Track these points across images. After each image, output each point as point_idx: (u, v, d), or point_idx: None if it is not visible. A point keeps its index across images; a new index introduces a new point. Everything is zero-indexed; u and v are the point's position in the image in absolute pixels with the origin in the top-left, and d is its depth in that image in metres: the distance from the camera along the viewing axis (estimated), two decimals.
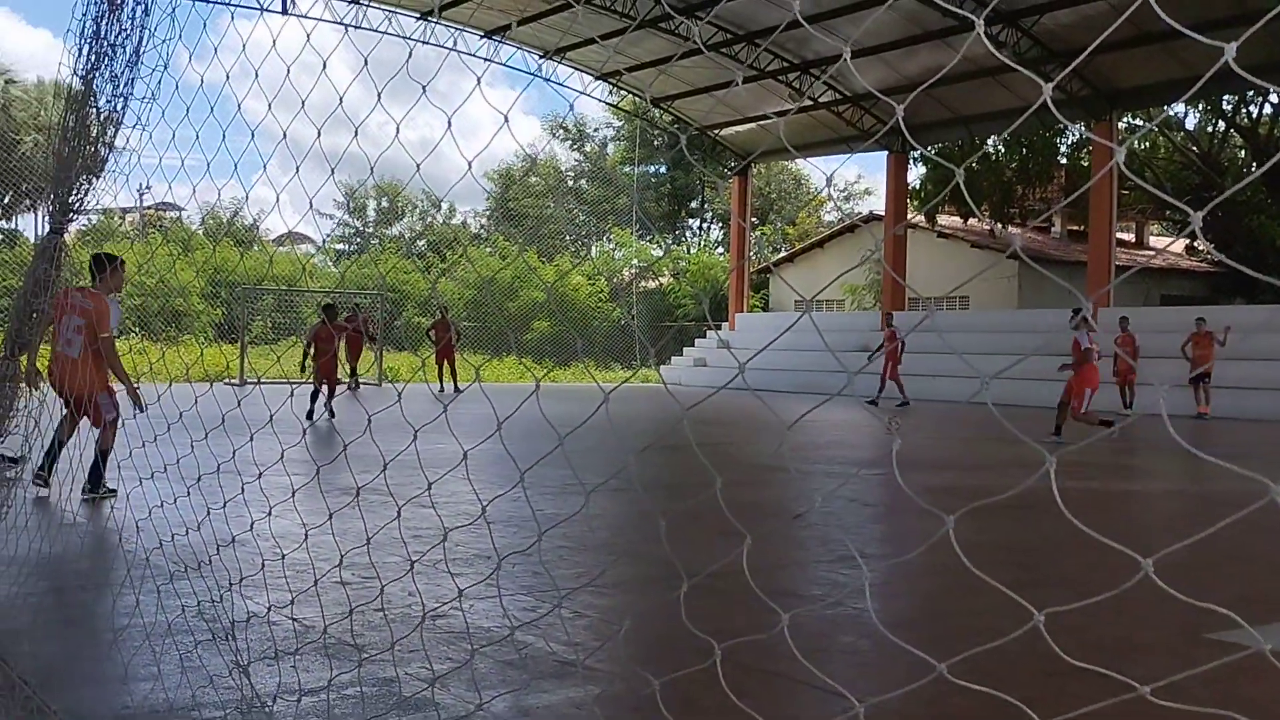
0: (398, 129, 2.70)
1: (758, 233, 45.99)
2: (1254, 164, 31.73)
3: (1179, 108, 32.05)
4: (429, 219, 50.84)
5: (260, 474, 3.24)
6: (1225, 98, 30.35)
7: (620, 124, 47.18)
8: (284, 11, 23.43)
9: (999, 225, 35.03)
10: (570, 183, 50.07)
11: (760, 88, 28.27)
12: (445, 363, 23.92)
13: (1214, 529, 1.53)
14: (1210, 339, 19.75)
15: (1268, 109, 31.01)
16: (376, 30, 25.26)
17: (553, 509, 7.22)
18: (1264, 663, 1.57)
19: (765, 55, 26.56)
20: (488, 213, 50.98)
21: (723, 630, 4.11)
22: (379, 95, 2.78)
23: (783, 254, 43.01)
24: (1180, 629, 3.96)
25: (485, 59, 27.42)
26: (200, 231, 34.83)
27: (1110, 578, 1.71)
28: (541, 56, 28.69)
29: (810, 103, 27.61)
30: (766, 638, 2.61)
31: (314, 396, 14.73)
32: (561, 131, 49.16)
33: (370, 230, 51.29)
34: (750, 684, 3.45)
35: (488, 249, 44.36)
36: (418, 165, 2.66)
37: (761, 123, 30.43)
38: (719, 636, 3.90)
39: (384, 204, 50.60)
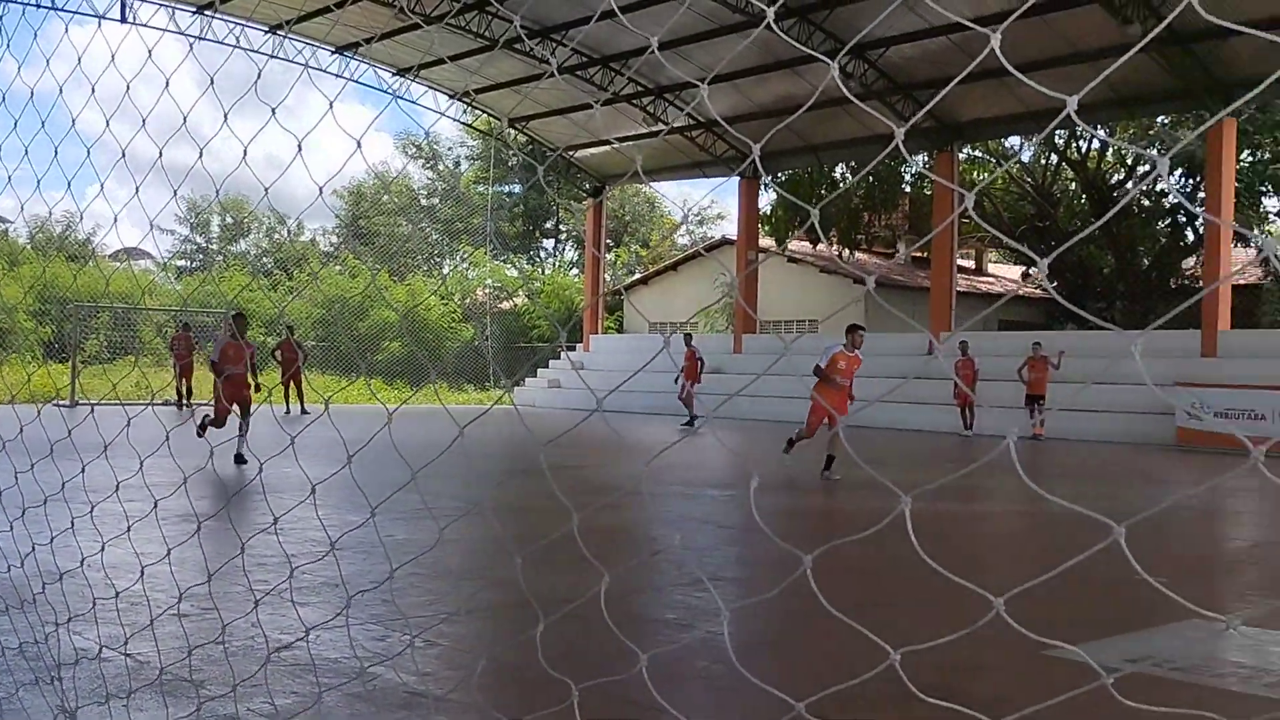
0: (245, 150, 2.60)
1: (612, 255, 46.24)
2: (1083, 195, 33.41)
3: (1015, 140, 33.57)
4: (276, 236, 49.54)
5: (93, 505, 3.06)
6: (1058, 132, 31.92)
7: (475, 143, 46.89)
8: (123, 20, 22.54)
9: (846, 252, 36.04)
10: (423, 201, 49.48)
11: (616, 111, 28.48)
12: (291, 384, 23.25)
13: (1058, 569, 1.57)
14: (1045, 363, 20.67)
15: (1095, 144, 32.75)
16: (223, 43, 24.52)
17: (404, 534, 7.06)
18: (1093, 678, 1.62)
19: (621, 79, 26.77)
20: (337, 230, 49.96)
21: (580, 657, 4.08)
22: (225, 114, 2.68)
23: (637, 276, 43.33)
24: (1022, 648, 4.08)
25: (338, 75, 26.92)
26: (29, 246, 33.13)
27: (955, 595, 1.74)
28: (395, 74, 28.29)
29: (665, 127, 27.93)
30: (624, 677, 2.59)
31: (215, 426, 11.04)
32: (415, 149, 48.59)
33: (214, 247, 49.69)
34: (608, 713, 3.41)
35: (337, 267, 43.45)
36: (265, 189, 2.56)
37: (616, 146, 30.65)
38: (576, 663, 3.86)
39: (228, 220, 49.09)
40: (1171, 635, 4.58)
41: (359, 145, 2.32)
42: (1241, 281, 28.18)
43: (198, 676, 3.72)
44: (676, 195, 50.14)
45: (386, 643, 4.37)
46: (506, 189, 47.44)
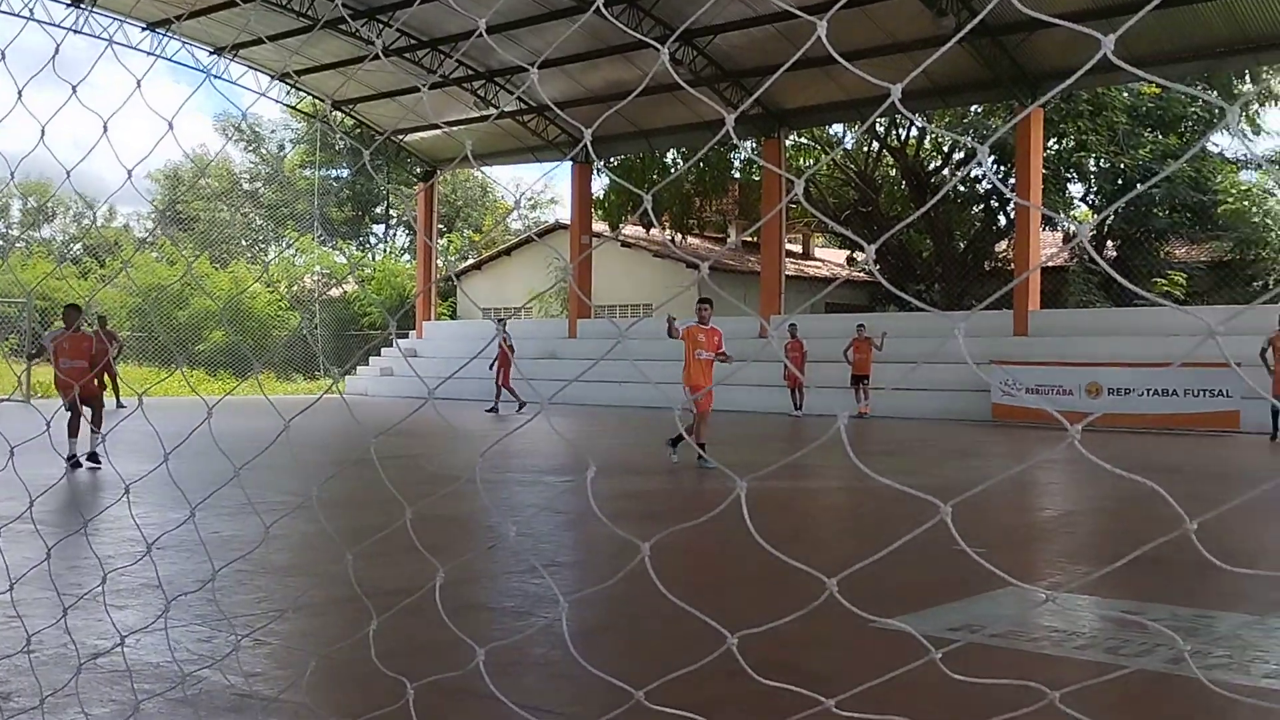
0: (43, 130, 2.44)
1: (444, 240, 45.61)
2: (904, 181, 34.62)
3: (838, 128, 34.52)
4: (85, 221, 47.06)
5: None
6: (879, 121, 32.97)
7: (299, 126, 45.50)
8: None
9: (679, 236, 36.47)
10: (246, 186, 47.77)
11: (446, 95, 28.05)
12: (105, 376, 22.12)
13: (892, 545, 1.61)
14: (869, 344, 21.38)
15: (914, 132, 33.97)
16: (19, 15, 23.05)
17: (230, 531, 6.81)
18: (920, 649, 1.67)
19: (450, 62, 26.37)
20: (152, 216, 47.81)
21: (417, 650, 4.01)
22: (20, 91, 2.50)
23: (470, 262, 42.90)
24: (852, 620, 4.20)
25: (150, 53, 25.69)
26: None
27: (790, 572, 1.76)
28: (212, 53, 27.16)
29: (495, 111, 27.67)
30: (460, 673, 2.54)
31: (75, 425, 10.00)
32: (235, 132, 46.84)
33: (14, 233, 46.85)
34: (445, 706, 3.36)
35: (154, 254, 41.54)
36: (68, 172, 2.41)
37: (447, 130, 30.21)
38: (413, 657, 3.79)
39: (30, 204, 46.36)
40: (989, 603, 4.80)
41: (170, 126, 2.20)
42: (1050, 264, 29.67)
43: (2, 689, 3.50)
44: (509, 180, 49.81)
45: (212, 644, 4.21)
46: (333, 173, 46.21)
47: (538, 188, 49.35)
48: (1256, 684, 3.64)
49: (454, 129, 29.80)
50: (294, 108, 37.16)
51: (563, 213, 42.61)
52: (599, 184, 34.58)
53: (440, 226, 43.24)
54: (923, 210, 1.75)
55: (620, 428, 18.26)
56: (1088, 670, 3.75)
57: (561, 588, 5.31)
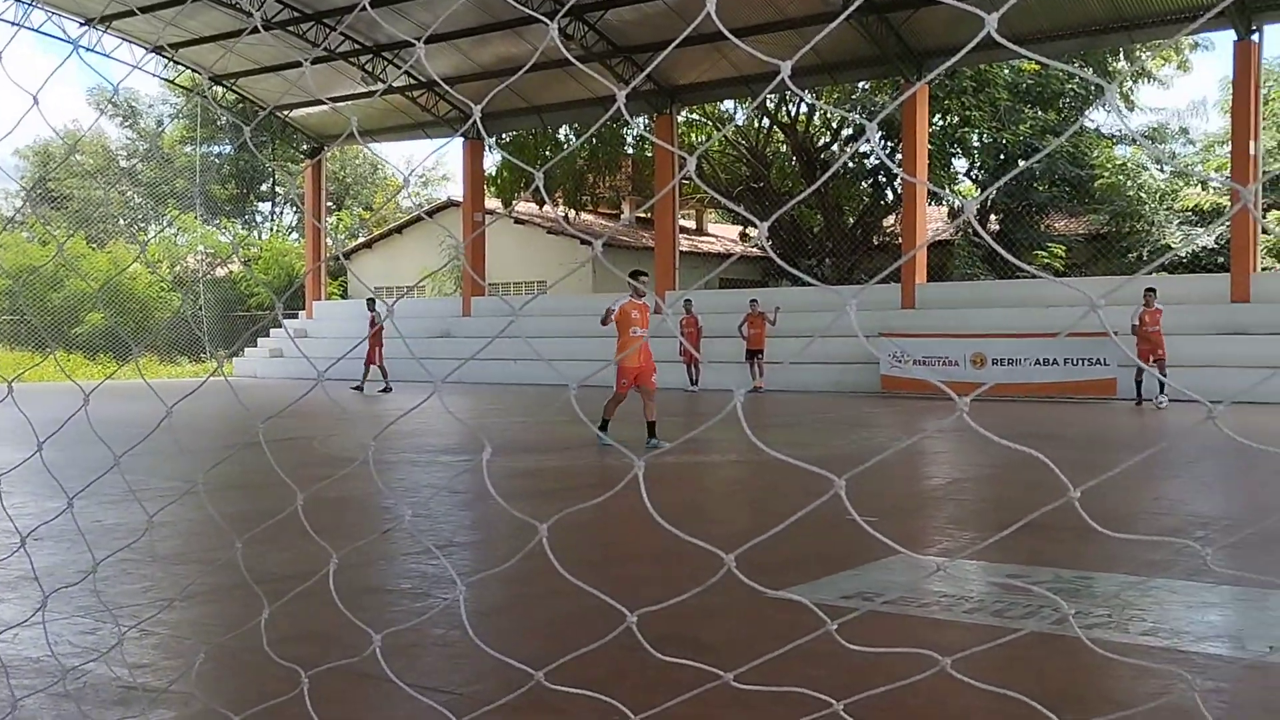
0: None
1: (334, 219, 44.73)
2: (794, 157, 34.98)
3: (730, 104, 34.70)
4: None
5: None
6: (769, 97, 33.24)
7: (178, 100, 44.04)
8: None
9: (573, 213, 36.33)
10: (123, 163, 46.13)
11: (332, 69, 27.43)
12: None
13: (791, 519, 1.63)
14: (763, 319, 21.62)
15: (804, 108, 34.33)
16: None
17: (113, 520, 6.60)
18: (815, 617, 1.70)
19: (336, 36, 25.79)
20: (21, 194, 45.83)
21: (314, 636, 3.93)
22: None
23: (360, 240, 42.15)
24: (748, 591, 4.25)
25: (13, 23, 24.59)
26: None
27: (686, 549, 1.77)
28: (82, 24, 26.10)
29: (383, 87, 27.17)
30: (356, 660, 2.50)
31: None
32: (109, 106, 45.13)
33: None
34: (344, 689, 3.31)
35: (25, 234, 39.88)
36: None
37: (333, 106, 29.58)
38: (309, 643, 3.72)
39: None
40: (882, 571, 4.90)
41: (35, 101, 2.10)
42: (936, 239, 30.31)
43: None
44: (400, 157, 48.96)
45: (96, 636, 4.07)
46: (215, 149, 44.88)
47: (429, 164, 48.65)
48: (1134, 641, 3.79)
49: (340, 105, 29.18)
50: (172, 82, 35.97)
51: (455, 190, 42.15)
52: (491, 160, 34.27)
53: (329, 204, 42.38)
54: (813, 188, 1.76)
55: (516, 406, 18.18)
56: (976, 634, 3.86)
57: (459, 569, 5.27)
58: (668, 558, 5.30)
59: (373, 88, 27.39)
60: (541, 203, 35.35)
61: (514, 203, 34.81)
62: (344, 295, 37.55)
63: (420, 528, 6.29)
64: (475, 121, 1.60)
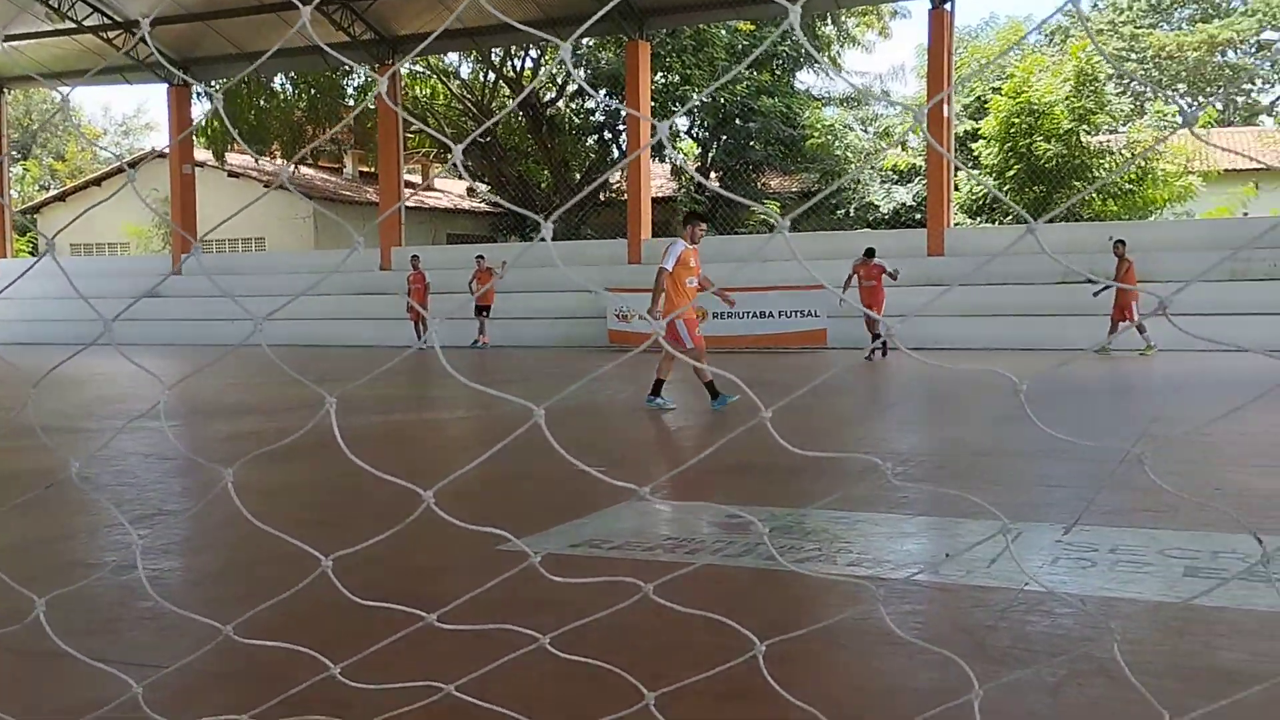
0: None
1: (20, 168, 41.03)
2: (520, 113, 34.86)
3: (454, 58, 34.14)
4: None
5: None
6: (494, 51, 32.91)
7: None
8: None
9: (291, 166, 34.80)
10: None
11: (12, 4, 25.02)
12: None
13: (492, 450, 1.62)
14: (491, 274, 21.52)
15: (529, 63, 34.19)
16: None
17: None
18: (537, 570, 1.70)
19: None
20: None
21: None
22: None
23: (53, 193, 38.90)
24: (480, 547, 4.22)
25: None
26: None
27: (411, 507, 1.72)
28: None
29: (73, 25, 25.05)
30: (14, 628, 2.30)
31: None
32: None
33: None
34: (37, 673, 3.05)
35: None
36: None
37: (16, 44, 27.02)
38: None
39: None
40: (611, 518, 4.99)
41: None
42: (659, 194, 31.03)
43: None
44: (96, 103, 45.43)
45: None
46: None
47: (129, 111, 45.40)
48: (842, 571, 4.02)
49: (22, 43, 26.70)
50: None
51: (160, 139, 39.53)
52: (201, 109, 32.32)
53: (14, 154, 38.85)
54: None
55: (232, 367, 17.34)
56: (700, 572, 3.99)
57: (169, 536, 4.98)
58: (393, 516, 5.19)
59: (60, 26, 25.18)
60: (258, 155, 33.72)
61: (225, 153, 32.97)
62: (34, 253, 34.63)
63: (126, 496, 5.90)
64: (182, 67, 1.47)
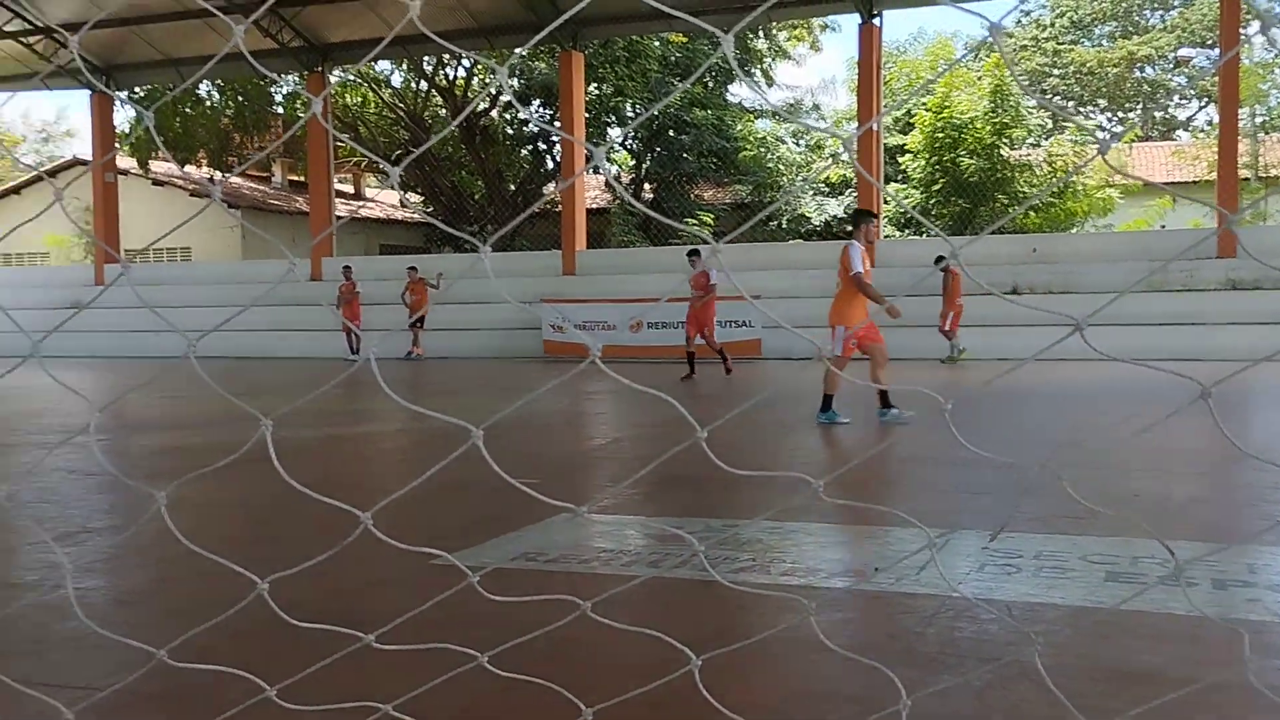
0: None
1: None
2: (453, 120, 34.67)
3: (385, 65, 33.87)
4: None
5: None
6: (427, 60, 32.71)
7: None
8: None
9: (218, 175, 34.31)
10: None
11: None
12: None
13: (436, 468, 1.62)
14: (424, 285, 21.38)
15: (462, 72, 34.04)
16: None
17: None
18: (481, 580, 1.71)
19: None
20: None
21: None
22: None
23: None
24: (415, 563, 4.20)
25: None
26: None
27: (346, 520, 1.73)
28: None
29: None
30: None
31: None
32: None
33: None
34: None
35: None
36: None
37: None
38: None
39: None
40: (546, 531, 4.99)
41: None
42: (593, 206, 31.06)
43: None
44: (15, 109, 44.38)
45: None
46: None
47: (50, 118, 44.42)
48: (775, 581, 4.07)
49: None
50: None
51: (82, 147, 38.73)
52: (124, 116, 31.74)
53: None
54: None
55: (159, 379, 17.01)
56: (635, 584, 4.01)
57: (94, 555, 4.89)
58: (329, 533, 5.15)
59: None
60: (184, 162, 33.17)
61: (149, 162, 32.38)
62: None
63: (49, 514, 5.77)
64: (104, 72, 1.46)
